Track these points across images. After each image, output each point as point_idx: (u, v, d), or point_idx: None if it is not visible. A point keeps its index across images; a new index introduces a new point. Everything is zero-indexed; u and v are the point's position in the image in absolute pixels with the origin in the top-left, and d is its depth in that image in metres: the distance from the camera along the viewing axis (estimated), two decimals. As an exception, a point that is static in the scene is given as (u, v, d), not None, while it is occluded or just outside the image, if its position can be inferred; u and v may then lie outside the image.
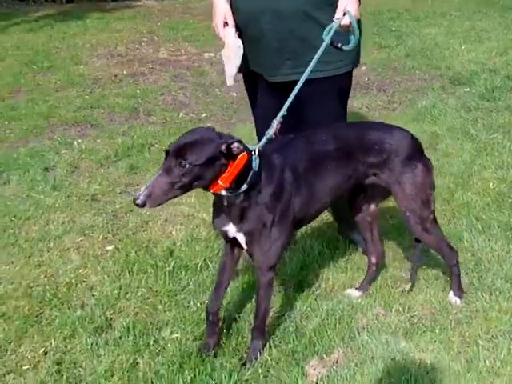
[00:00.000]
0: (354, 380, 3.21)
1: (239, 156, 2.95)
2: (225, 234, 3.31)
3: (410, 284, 3.92)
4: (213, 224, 3.38)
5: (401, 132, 3.61)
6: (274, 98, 3.66)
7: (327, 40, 3.48)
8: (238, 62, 3.72)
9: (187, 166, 2.87)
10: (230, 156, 2.94)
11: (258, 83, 4.04)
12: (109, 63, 9.13)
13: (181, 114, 7.06)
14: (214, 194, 3.11)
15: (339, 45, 3.58)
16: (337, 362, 3.36)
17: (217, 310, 3.48)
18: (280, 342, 3.51)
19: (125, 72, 8.71)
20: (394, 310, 3.76)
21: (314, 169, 3.36)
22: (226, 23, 3.77)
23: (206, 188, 3.03)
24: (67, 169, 5.71)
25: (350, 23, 3.51)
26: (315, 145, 3.42)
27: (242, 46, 3.73)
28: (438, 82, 8.22)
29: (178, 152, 2.89)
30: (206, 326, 3.50)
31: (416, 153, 3.57)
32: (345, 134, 3.54)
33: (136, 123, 6.88)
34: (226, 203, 3.15)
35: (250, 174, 3.06)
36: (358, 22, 3.60)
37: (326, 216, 4.77)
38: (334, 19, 3.52)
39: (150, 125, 6.78)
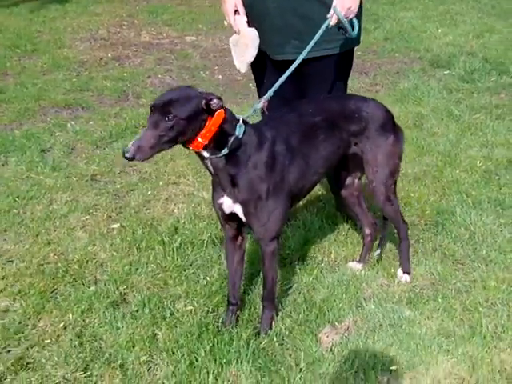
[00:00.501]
0: (366, 345, 3.38)
1: (217, 112, 3.10)
2: (222, 211, 3.43)
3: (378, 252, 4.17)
4: (212, 201, 3.52)
5: (375, 102, 3.83)
6: (278, 78, 3.76)
7: (316, 37, 3.62)
8: (255, 51, 3.90)
9: (173, 119, 3.01)
10: (209, 111, 3.09)
11: (265, 63, 4.14)
12: (92, 46, 9.19)
13: (170, 96, 7.15)
14: (197, 153, 3.22)
15: (342, 31, 3.74)
16: (348, 329, 3.54)
17: (237, 299, 3.63)
18: (291, 313, 3.68)
19: (109, 55, 8.78)
20: (396, 280, 3.93)
21: (305, 140, 3.51)
22: (236, 11, 3.90)
23: (188, 144, 3.15)
24: (64, 150, 5.81)
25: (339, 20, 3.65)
26: (304, 117, 3.58)
27: (257, 35, 3.87)
28: (418, 64, 8.41)
29: (163, 107, 3.02)
30: (226, 309, 3.65)
31: (389, 122, 3.77)
32: (328, 105, 3.71)
33: (126, 105, 6.98)
34: (211, 168, 3.27)
35: (232, 139, 3.18)
36: (360, 6, 3.75)
37: (323, 192, 4.94)
38: (327, 16, 3.66)
39: (140, 107, 6.88)
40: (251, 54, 3.90)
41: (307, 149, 3.51)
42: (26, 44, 9.17)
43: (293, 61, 3.65)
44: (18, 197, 4.95)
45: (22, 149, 5.81)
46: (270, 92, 3.52)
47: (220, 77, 7.85)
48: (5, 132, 6.22)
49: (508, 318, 3.57)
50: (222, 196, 3.37)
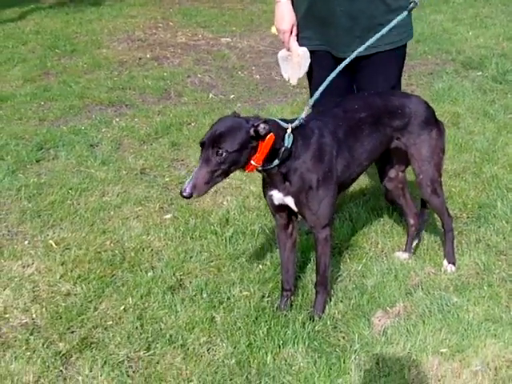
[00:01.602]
0: (416, 329, 3.53)
1: (267, 136, 3.23)
2: (272, 202, 3.59)
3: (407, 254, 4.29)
4: (263, 193, 3.68)
5: (418, 98, 4.01)
6: (340, 77, 3.86)
7: (388, 28, 3.84)
8: (306, 68, 4.22)
9: (223, 154, 3.15)
10: (259, 137, 3.22)
11: (320, 63, 4.26)
12: (130, 47, 9.37)
13: (210, 95, 7.33)
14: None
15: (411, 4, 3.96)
16: (398, 313, 3.69)
17: (291, 285, 3.80)
18: (343, 298, 3.84)
19: (148, 55, 8.96)
20: (442, 270, 4.08)
21: (352, 134, 3.66)
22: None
23: (242, 169, 3.35)
24: (111, 145, 5.98)
25: None
26: (350, 112, 3.73)
27: (309, 54, 4.19)
28: (451, 66, 8.53)
29: (213, 142, 3.17)
30: (280, 294, 3.81)
31: (431, 117, 3.93)
32: (372, 101, 3.85)
33: (169, 103, 7.16)
34: (265, 175, 3.47)
35: (282, 150, 3.33)
36: None
37: (367, 186, 5.09)
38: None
39: (182, 105, 7.06)
40: (304, 70, 4.22)
41: (353, 142, 3.65)
42: (64, 44, 9.36)
43: (358, 58, 3.87)
44: (70, 189, 5.12)
45: (70, 144, 5.98)
46: (318, 92, 3.68)
47: (258, 76, 8.02)
48: (52, 128, 6.40)
49: (553, 306, 3.71)
50: (273, 189, 3.52)
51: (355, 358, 3.35)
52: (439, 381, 3.24)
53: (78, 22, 10.88)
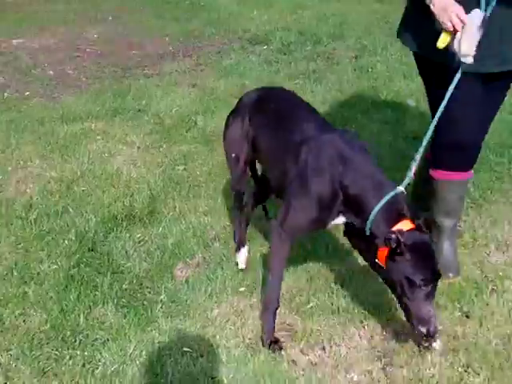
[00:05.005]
0: (216, 275, 3.96)
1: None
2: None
3: None
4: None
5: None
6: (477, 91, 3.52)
7: None
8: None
9: None
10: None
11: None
12: None
13: (5, 94, 7.31)
14: None
15: None
16: (198, 264, 4.09)
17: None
18: (146, 258, 4.17)
19: None
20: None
21: None
22: None
23: None
24: None
25: None
26: None
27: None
28: (238, 43, 8.92)
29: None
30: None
31: None
32: None
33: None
34: None
35: None
36: None
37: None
38: None
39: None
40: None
41: None
42: None
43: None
44: None
45: None
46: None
47: (51, 72, 8.07)
48: None
49: None
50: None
51: (161, 307, 3.69)
52: (239, 315, 3.63)
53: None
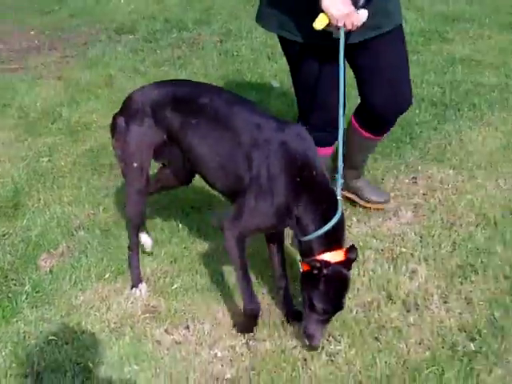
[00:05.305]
0: (80, 263, 3.99)
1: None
2: None
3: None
4: None
5: None
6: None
7: None
8: None
9: None
10: None
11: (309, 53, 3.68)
12: None
13: None
14: None
15: None
16: (62, 253, 4.12)
17: None
18: (11, 251, 4.17)
19: None
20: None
21: None
22: None
23: None
24: None
25: None
26: None
27: None
28: (104, 34, 8.87)
29: None
30: None
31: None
32: None
33: None
34: None
35: None
36: None
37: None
38: None
39: None
40: None
41: None
42: None
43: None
44: None
45: None
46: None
47: None
48: None
49: None
50: None
51: (26, 298, 3.71)
52: (103, 301, 3.70)
53: None
